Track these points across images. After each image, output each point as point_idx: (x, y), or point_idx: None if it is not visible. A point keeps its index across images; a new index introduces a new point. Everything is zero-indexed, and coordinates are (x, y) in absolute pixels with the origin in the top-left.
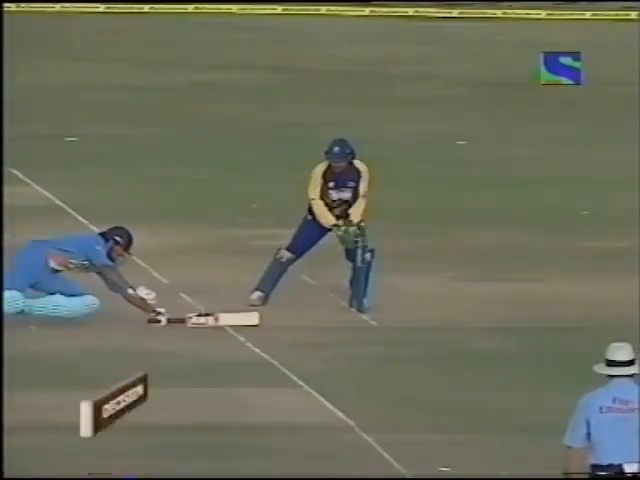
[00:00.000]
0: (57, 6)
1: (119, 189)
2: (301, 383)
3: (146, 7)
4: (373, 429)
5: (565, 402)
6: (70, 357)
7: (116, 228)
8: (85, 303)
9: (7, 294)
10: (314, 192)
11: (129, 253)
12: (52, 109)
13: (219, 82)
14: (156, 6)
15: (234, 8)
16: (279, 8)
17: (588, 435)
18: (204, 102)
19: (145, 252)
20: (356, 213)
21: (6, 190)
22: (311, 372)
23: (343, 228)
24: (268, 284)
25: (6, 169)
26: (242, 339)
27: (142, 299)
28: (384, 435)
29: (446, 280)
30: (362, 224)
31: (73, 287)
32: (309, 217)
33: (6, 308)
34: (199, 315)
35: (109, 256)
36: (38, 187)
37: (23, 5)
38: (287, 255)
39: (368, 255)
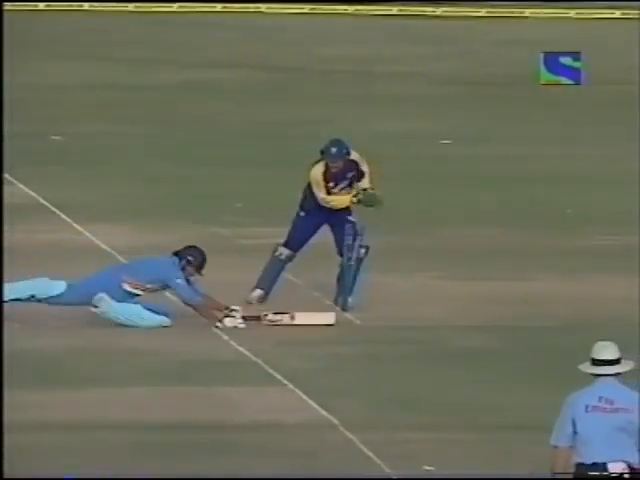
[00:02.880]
0: (42, 4)
1: (104, 187)
2: (285, 382)
3: (130, 6)
4: (357, 428)
5: (551, 401)
6: (54, 355)
7: (191, 247)
8: (159, 323)
9: (55, 282)
10: (321, 192)
11: (201, 274)
12: (36, 107)
13: (204, 81)
14: (140, 5)
15: (218, 7)
16: (263, 7)
17: (574, 434)
18: (189, 101)
19: (130, 250)
20: (364, 183)
21: None
22: (295, 371)
23: (361, 194)
24: (267, 282)
25: None
26: (226, 337)
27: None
28: (368, 434)
29: (432, 279)
30: (354, 220)
31: (154, 306)
32: (302, 213)
33: (51, 291)
34: (275, 313)
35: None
36: (22, 186)
37: (8, 4)
38: (286, 252)
39: (354, 253)
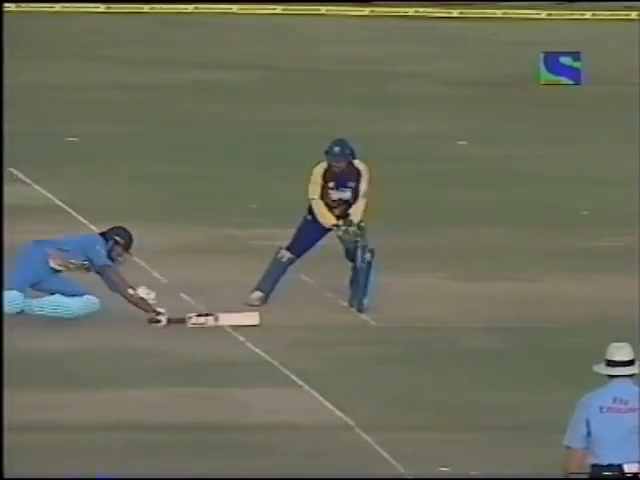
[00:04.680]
0: (57, 6)
1: (116, 188)
2: (301, 383)
3: (146, 7)
4: (372, 428)
5: (558, 401)
6: (64, 356)
7: (116, 228)
8: (86, 303)
9: (6, 294)
10: (314, 192)
11: (130, 253)
12: (48, 108)
13: (215, 81)
14: (156, 6)
15: (234, 8)
16: (279, 8)
17: (588, 435)
18: (201, 100)
19: (144, 251)
20: (356, 212)
21: (4, 190)
22: (310, 372)
23: (343, 228)
24: (268, 284)
25: (4, 168)
26: (242, 339)
27: (142, 299)
28: (383, 434)
29: (442, 279)
30: (362, 224)
31: (74, 287)
32: (309, 217)
33: (6, 308)
34: (199, 315)
35: (109, 256)
36: (37, 186)
37: (23, 5)
38: (287, 255)
39: (368, 255)
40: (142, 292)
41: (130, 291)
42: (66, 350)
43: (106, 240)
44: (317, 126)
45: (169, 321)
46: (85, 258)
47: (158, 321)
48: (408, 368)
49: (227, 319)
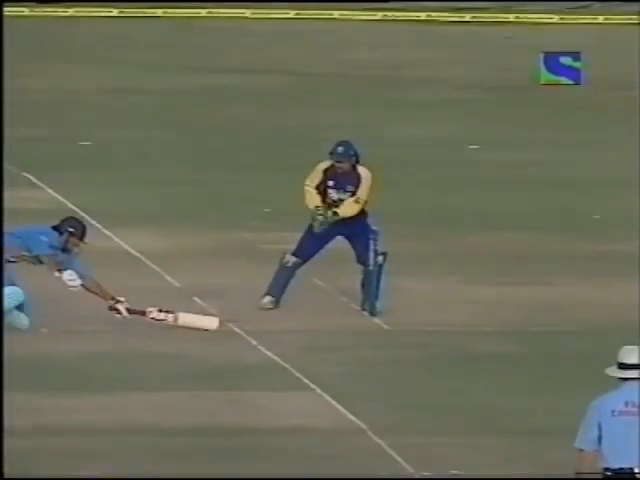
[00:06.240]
0: (70, 10)
1: (131, 192)
2: (313, 386)
3: (159, 11)
4: (385, 432)
5: (573, 404)
6: (80, 360)
7: (68, 219)
8: (7, 294)
9: (7, 289)
10: (311, 181)
11: (85, 242)
12: (61, 112)
13: (231, 85)
14: (169, 10)
15: (247, 12)
16: (292, 12)
17: (599, 438)
18: (215, 105)
19: (158, 255)
20: (345, 208)
21: (18, 194)
22: (323, 375)
23: (321, 210)
24: (277, 288)
25: (18, 172)
26: (255, 343)
27: (98, 285)
28: (396, 438)
29: (456, 283)
30: (375, 228)
31: (8, 278)
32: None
33: (9, 302)
34: (160, 310)
35: (65, 247)
36: (50, 190)
37: (37, 9)
38: (292, 260)
39: (380, 258)
40: (65, 276)
41: (56, 274)
42: (82, 353)
43: (60, 233)
44: (332, 130)
45: (128, 311)
46: (26, 249)
47: (117, 309)
48: (421, 372)
49: (186, 320)
